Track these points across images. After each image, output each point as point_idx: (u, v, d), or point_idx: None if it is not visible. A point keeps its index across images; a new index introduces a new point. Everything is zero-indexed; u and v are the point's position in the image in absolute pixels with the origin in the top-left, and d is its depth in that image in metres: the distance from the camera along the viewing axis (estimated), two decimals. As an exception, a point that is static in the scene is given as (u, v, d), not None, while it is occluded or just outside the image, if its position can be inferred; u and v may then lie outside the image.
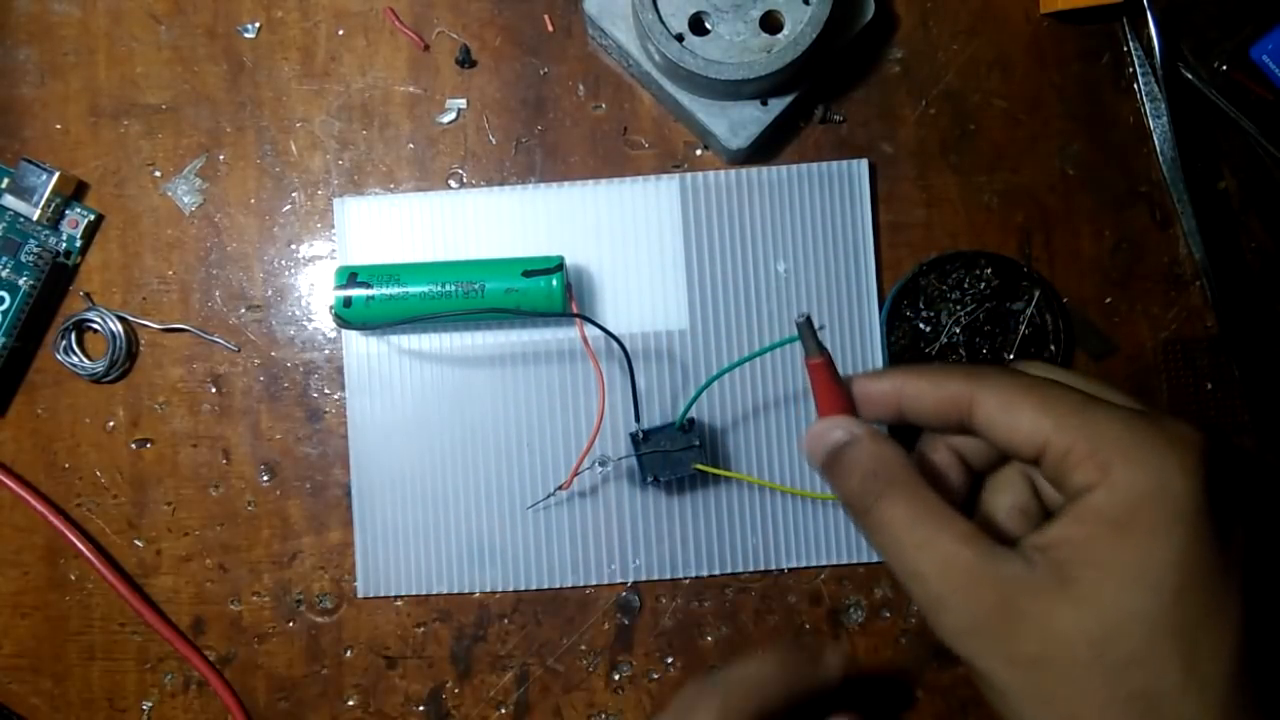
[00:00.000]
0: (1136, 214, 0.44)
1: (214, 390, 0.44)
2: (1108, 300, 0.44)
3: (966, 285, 0.43)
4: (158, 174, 0.45)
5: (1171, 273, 0.44)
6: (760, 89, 0.42)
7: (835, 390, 0.35)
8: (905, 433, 0.35)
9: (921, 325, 0.43)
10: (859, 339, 0.43)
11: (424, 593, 0.43)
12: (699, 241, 0.43)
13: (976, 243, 0.44)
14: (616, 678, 0.43)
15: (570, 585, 0.43)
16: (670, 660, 0.43)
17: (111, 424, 0.44)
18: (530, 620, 0.43)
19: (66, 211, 0.44)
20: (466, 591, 0.43)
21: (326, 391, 0.44)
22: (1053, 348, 0.43)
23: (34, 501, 0.42)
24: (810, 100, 0.44)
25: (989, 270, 0.43)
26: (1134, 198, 0.45)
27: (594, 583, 0.43)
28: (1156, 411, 0.30)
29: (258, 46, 0.45)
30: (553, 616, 0.43)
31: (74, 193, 0.44)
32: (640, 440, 0.41)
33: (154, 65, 0.45)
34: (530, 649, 0.43)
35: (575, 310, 0.41)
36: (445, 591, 0.43)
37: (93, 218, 0.44)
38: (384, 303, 0.41)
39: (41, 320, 0.44)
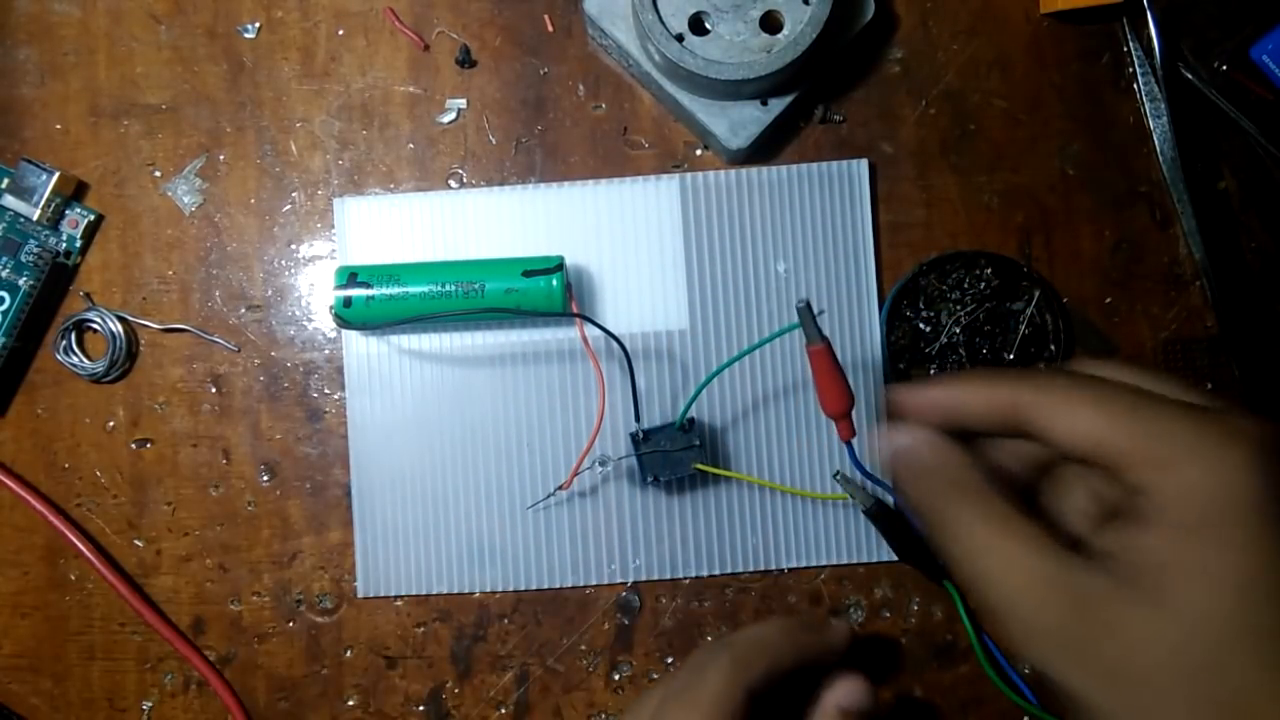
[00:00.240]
0: (1136, 214, 0.44)
1: (214, 390, 0.44)
2: (1108, 300, 0.44)
3: (966, 285, 0.43)
4: (158, 174, 0.45)
5: (1171, 273, 0.44)
6: (760, 89, 0.42)
7: (836, 377, 0.35)
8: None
9: (921, 325, 0.43)
10: (859, 339, 0.43)
11: (424, 593, 0.43)
12: (699, 241, 0.43)
13: (976, 243, 0.44)
14: (616, 678, 0.43)
15: (570, 585, 0.43)
16: (670, 660, 0.43)
17: (111, 424, 0.44)
18: (530, 620, 0.43)
19: (66, 211, 0.44)
20: (466, 591, 0.43)
21: (326, 391, 0.44)
22: (1053, 348, 0.43)
23: (34, 501, 0.42)
24: (810, 100, 0.44)
25: (989, 270, 0.43)
26: (1134, 198, 0.45)
27: (594, 583, 0.43)
28: (1218, 404, 0.29)
29: (258, 46, 0.45)
30: (553, 616, 0.43)
31: (74, 193, 0.44)
32: (640, 440, 0.41)
33: (154, 65, 0.45)
34: (530, 649, 0.43)
35: (575, 310, 0.41)
36: (445, 591, 0.43)
37: (93, 218, 0.44)
38: (384, 303, 0.41)
39: (41, 320, 0.44)
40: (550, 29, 0.45)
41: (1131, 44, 0.44)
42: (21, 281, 0.43)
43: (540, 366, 0.43)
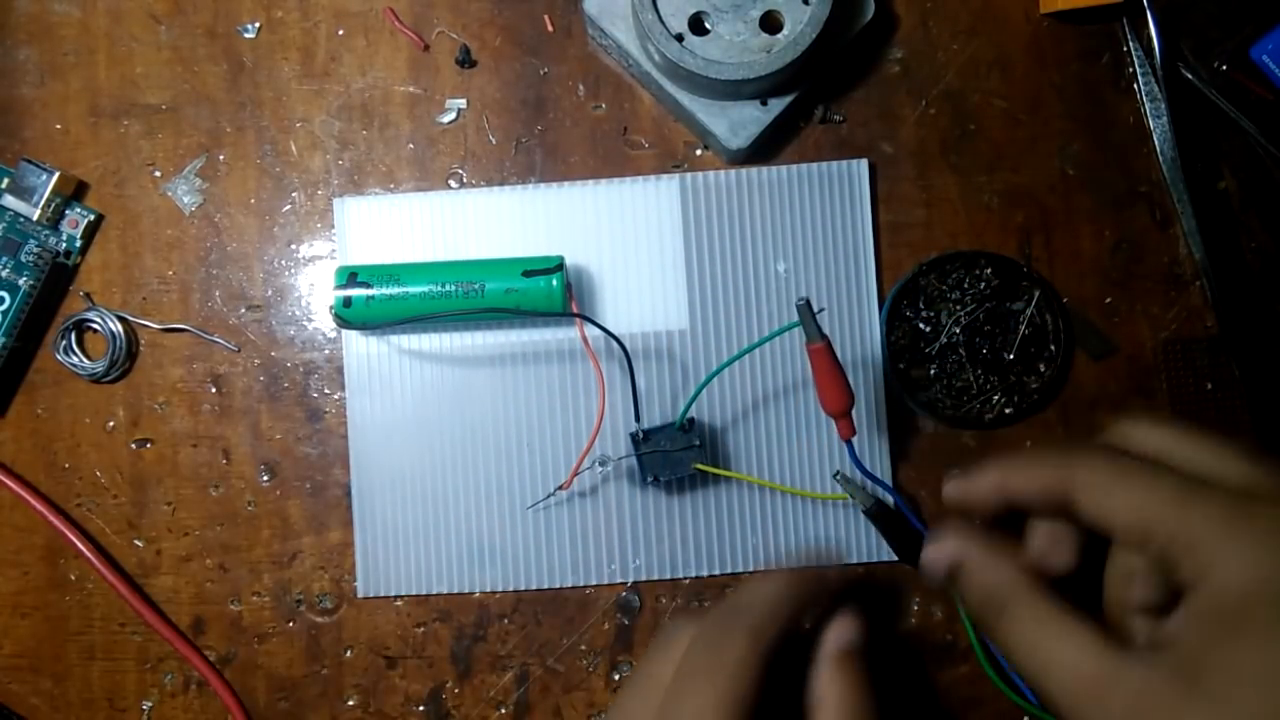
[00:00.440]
0: (1136, 214, 0.44)
1: (214, 390, 0.44)
2: (1108, 300, 0.44)
3: (966, 285, 0.43)
4: (158, 174, 0.45)
5: (1171, 273, 0.44)
6: (760, 89, 0.42)
7: (836, 375, 0.35)
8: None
9: (921, 325, 0.43)
10: (859, 339, 0.43)
11: (424, 593, 0.43)
12: (699, 241, 0.43)
13: (976, 243, 0.44)
14: (616, 678, 0.43)
15: (570, 585, 0.43)
16: (670, 660, 0.43)
17: (111, 424, 0.44)
18: (530, 620, 0.43)
19: (66, 211, 0.44)
20: (466, 591, 0.43)
21: (326, 391, 0.44)
22: (1053, 348, 0.43)
23: (34, 501, 0.42)
24: (810, 100, 0.44)
25: (989, 270, 0.43)
26: (1134, 198, 0.45)
27: (594, 583, 0.43)
28: (1265, 490, 0.29)
29: (258, 46, 0.45)
30: (553, 616, 0.43)
31: (74, 193, 0.44)
32: (640, 440, 0.41)
33: (154, 65, 0.45)
34: (530, 649, 0.43)
35: (575, 310, 0.41)
36: (445, 591, 0.43)
37: (93, 218, 0.44)
38: (384, 303, 0.41)
39: (41, 320, 0.44)
40: (550, 29, 0.45)
41: (1131, 44, 0.44)
42: (21, 281, 0.43)
43: (540, 366, 0.43)
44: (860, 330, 0.43)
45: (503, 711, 0.43)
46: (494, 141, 0.45)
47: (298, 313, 0.44)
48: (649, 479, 0.41)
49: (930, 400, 0.43)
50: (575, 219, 0.44)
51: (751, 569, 0.43)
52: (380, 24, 0.45)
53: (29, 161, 0.43)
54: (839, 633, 0.36)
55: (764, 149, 0.44)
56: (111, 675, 0.43)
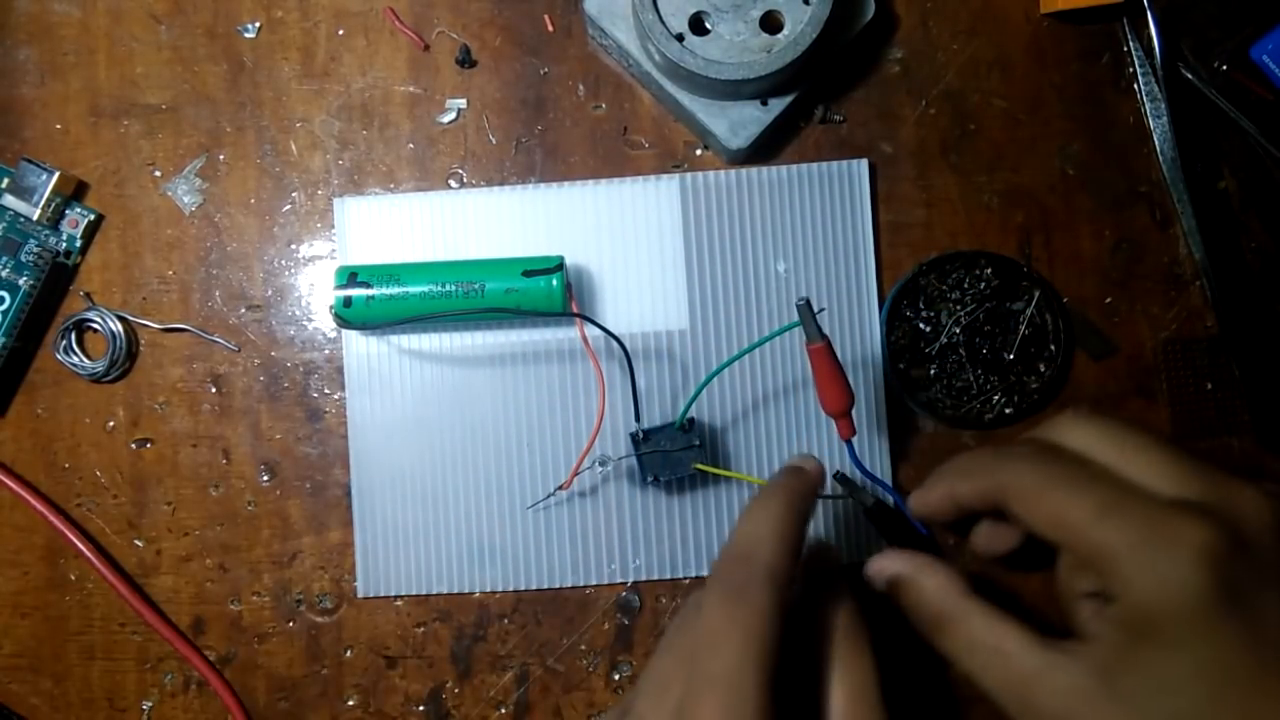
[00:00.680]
0: (1136, 214, 0.44)
1: (214, 390, 0.44)
2: (1108, 300, 0.44)
3: (966, 285, 0.43)
4: (158, 174, 0.45)
5: (1171, 273, 0.44)
6: (760, 89, 0.42)
7: (836, 375, 0.36)
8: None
9: (921, 325, 0.43)
10: (859, 339, 0.43)
11: (424, 593, 0.43)
12: (699, 241, 0.43)
13: (976, 243, 0.44)
14: (616, 678, 0.43)
15: (570, 585, 0.43)
16: (670, 660, 0.43)
17: (111, 424, 0.44)
18: (530, 620, 0.43)
19: (66, 211, 0.44)
20: (466, 591, 0.43)
21: (326, 391, 0.44)
22: (1053, 348, 0.43)
23: (34, 501, 0.42)
24: (810, 100, 0.44)
25: (989, 270, 0.43)
26: (1134, 198, 0.45)
27: (594, 583, 0.43)
28: (1191, 501, 0.30)
29: (258, 46, 0.45)
30: (553, 616, 0.43)
31: (74, 193, 0.44)
32: (640, 440, 0.41)
33: (154, 65, 0.45)
34: (530, 649, 0.43)
35: (575, 310, 0.41)
36: (445, 591, 0.43)
37: (93, 218, 0.44)
38: (384, 303, 0.41)
39: (41, 320, 0.44)
40: (550, 29, 0.45)
41: (1131, 44, 0.44)
42: (21, 281, 0.43)
43: (540, 366, 0.43)
44: (860, 330, 0.43)
45: (503, 711, 0.43)
46: (494, 141, 0.45)
47: (298, 313, 0.44)
48: (649, 479, 0.41)
49: (930, 400, 0.43)
50: (575, 219, 0.44)
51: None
52: (380, 24, 0.45)
53: (29, 161, 0.43)
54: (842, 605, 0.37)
55: (764, 149, 0.44)
56: (111, 675, 0.43)
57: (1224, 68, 0.44)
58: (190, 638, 0.43)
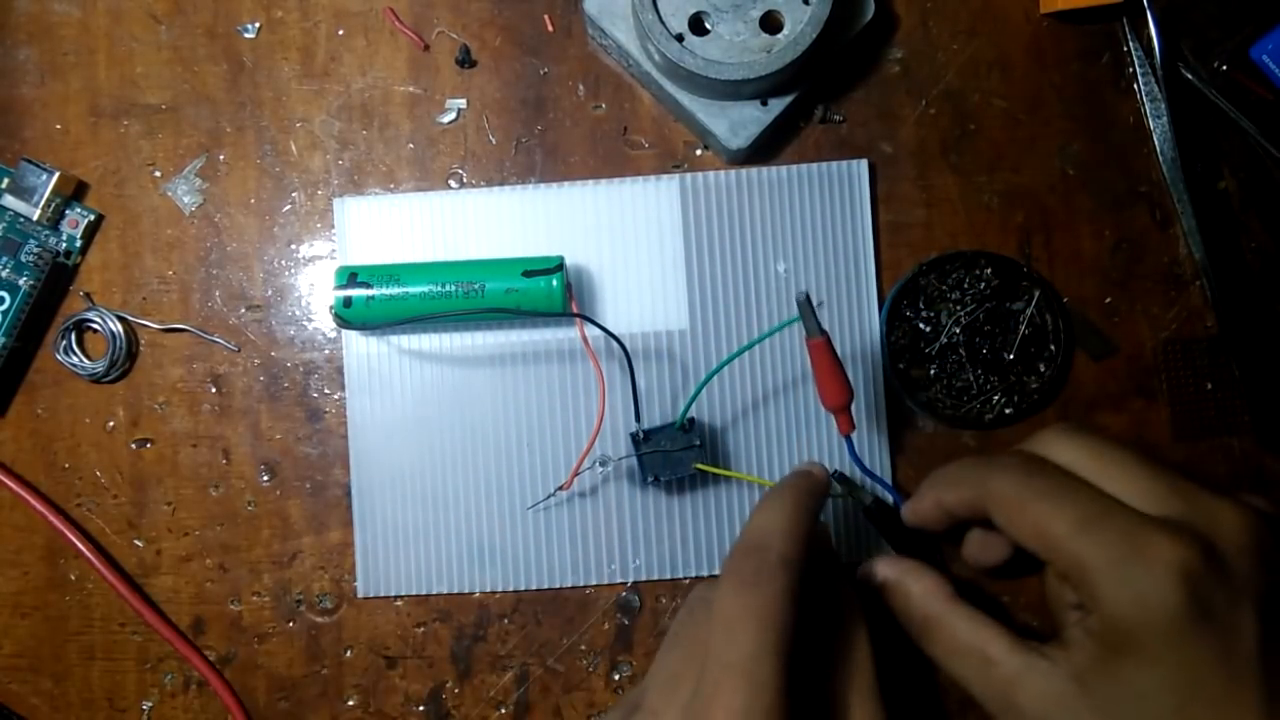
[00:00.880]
0: (1136, 214, 0.44)
1: (214, 390, 0.44)
2: (1108, 300, 0.44)
3: (966, 285, 0.43)
4: (158, 174, 0.45)
5: (1171, 273, 0.44)
6: (760, 89, 0.42)
7: (835, 370, 0.36)
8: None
9: (921, 325, 0.43)
10: (859, 339, 0.43)
11: (424, 593, 0.43)
12: (699, 241, 0.43)
13: (976, 243, 0.44)
14: (616, 678, 0.43)
15: (570, 585, 0.43)
16: (670, 660, 0.43)
17: (111, 424, 0.44)
18: (530, 620, 0.43)
19: (66, 211, 0.44)
20: (466, 591, 0.43)
21: (326, 391, 0.44)
22: (1053, 348, 0.43)
23: (34, 501, 0.42)
24: (810, 100, 0.44)
25: (989, 270, 0.43)
26: (1134, 198, 0.45)
27: (594, 583, 0.43)
28: (1170, 517, 0.31)
29: (258, 46, 0.45)
30: (553, 616, 0.43)
31: (74, 193, 0.44)
32: (640, 440, 0.41)
33: (154, 65, 0.45)
34: (530, 649, 0.43)
35: (575, 310, 0.41)
36: (445, 591, 0.43)
37: (93, 218, 0.44)
38: (384, 303, 0.41)
39: (41, 320, 0.44)
40: (550, 29, 0.45)
41: (1131, 44, 0.44)
42: (21, 281, 0.43)
43: (540, 366, 0.43)
44: (860, 330, 0.43)
45: (503, 711, 0.43)
46: (494, 141, 0.45)
47: (298, 313, 0.44)
48: (649, 479, 0.41)
49: (930, 400, 0.43)
50: (575, 219, 0.44)
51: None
52: (380, 24, 0.45)
53: (29, 161, 0.43)
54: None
55: (764, 149, 0.44)
56: (111, 675, 0.43)
57: (1224, 68, 0.44)
58: (190, 638, 0.43)
